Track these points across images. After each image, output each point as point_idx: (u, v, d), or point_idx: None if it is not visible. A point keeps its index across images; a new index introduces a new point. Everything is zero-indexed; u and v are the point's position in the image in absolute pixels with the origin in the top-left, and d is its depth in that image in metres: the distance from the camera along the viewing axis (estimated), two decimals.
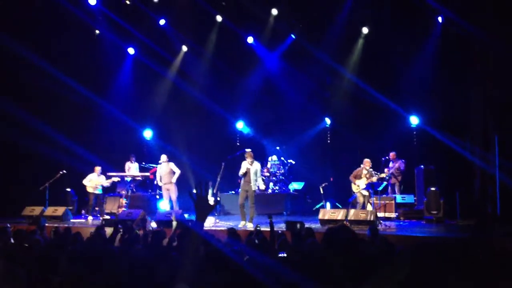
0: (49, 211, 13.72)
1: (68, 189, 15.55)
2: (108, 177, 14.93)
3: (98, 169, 14.81)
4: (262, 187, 12.45)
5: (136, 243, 6.63)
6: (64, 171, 14.74)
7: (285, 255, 6.22)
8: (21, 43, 14.86)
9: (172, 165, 14.35)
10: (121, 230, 7.53)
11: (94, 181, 14.69)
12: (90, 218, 14.32)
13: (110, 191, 15.79)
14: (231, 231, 8.12)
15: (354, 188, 13.22)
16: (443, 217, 12.69)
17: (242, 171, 12.43)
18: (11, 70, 15.49)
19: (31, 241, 6.86)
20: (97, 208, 15.02)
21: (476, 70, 14.42)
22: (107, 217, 13.95)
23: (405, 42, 15.60)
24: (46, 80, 15.40)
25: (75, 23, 16.42)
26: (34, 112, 15.13)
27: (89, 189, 14.66)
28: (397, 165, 14.36)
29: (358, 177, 13.13)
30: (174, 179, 14.22)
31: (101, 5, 16.94)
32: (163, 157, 14.38)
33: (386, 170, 14.07)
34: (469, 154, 14.10)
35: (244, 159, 12.53)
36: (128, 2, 17.04)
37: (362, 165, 13.25)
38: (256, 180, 12.36)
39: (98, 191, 14.77)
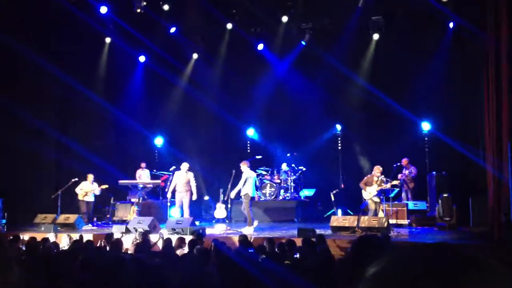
0: (61, 218, 13.78)
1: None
2: (100, 185, 14.91)
3: (91, 176, 14.79)
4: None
5: (148, 251, 6.64)
6: (76, 179, 14.80)
7: (297, 256, 6.21)
8: (34, 51, 14.99)
9: (190, 176, 14.17)
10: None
11: (85, 189, 14.71)
12: (89, 226, 14.39)
13: (121, 198, 15.86)
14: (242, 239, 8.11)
15: (365, 195, 13.14)
16: (456, 224, 12.58)
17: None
18: (24, 76, 15.63)
19: (43, 249, 6.90)
20: (109, 216, 15.11)
21: (489, 76, 14.31)
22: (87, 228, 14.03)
23: (416, 48, 15.54)
24: (58, 87, 15.53)
25: (87, 32, 16.55)
26: (46, 118, 15.25)
27: (80, 197, 14.68)
28: (407, 172, 14.28)
29: (369, 184, 13.04)
30: (193, 189, 14.10)
31: (112, 13, 17.06)
32: (184, 165, 14.22)
33: (399, 176, 13.97)
34: (481, 161, 13.98)
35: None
36: (139, 10, 17.15)
37: (372, 172, 13.18)
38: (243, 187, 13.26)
39: (89, 199, 14.77)
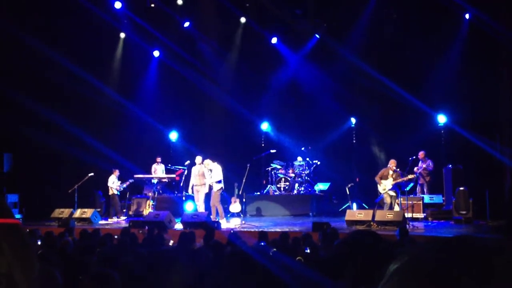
0: (78, 213, 13.93)
1: (96, 191, 15.80)
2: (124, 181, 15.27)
3: (117, 172, 15.24)
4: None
5: (163, 244, 6.68)
6: (92, 174, 14.96)
7: (308, 250, 6.22)
8: (49, 47, 15.11)
9: (205, 168, 14.15)
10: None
11: (116, 183, 15.06)
12: (123, 217, 14.82)
13: (137, 193, 16.01)
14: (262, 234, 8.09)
15: (380, 188, 13.08)
16: (472, 218, 12.48)
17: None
18: (41, 72, 15.77)
19: (61, 243, 6.98)
20: (124, 210, 15.32)
21: (505, 68, 14.16)
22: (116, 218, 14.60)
23: (431, 40, 15.39)
24: (73, 82, 15.65)
25: (102, 27, 16.66)
26: (63, 114, 15.38)
27: (114, 191, 15.00)
28: (424, 165, 14.17)
29: (384, 177, 12.97)
30: (208, 183, 13.88)
31: (126, 8, 17.14)
32: (198, 159, 14.21)
33: (415, 169, 13.86)
34: (498, 154, 13.84)
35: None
36: (153, 5, 17.21)
37: (388, 165, 13.11)
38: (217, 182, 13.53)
39: (116, 193, 15.22)
